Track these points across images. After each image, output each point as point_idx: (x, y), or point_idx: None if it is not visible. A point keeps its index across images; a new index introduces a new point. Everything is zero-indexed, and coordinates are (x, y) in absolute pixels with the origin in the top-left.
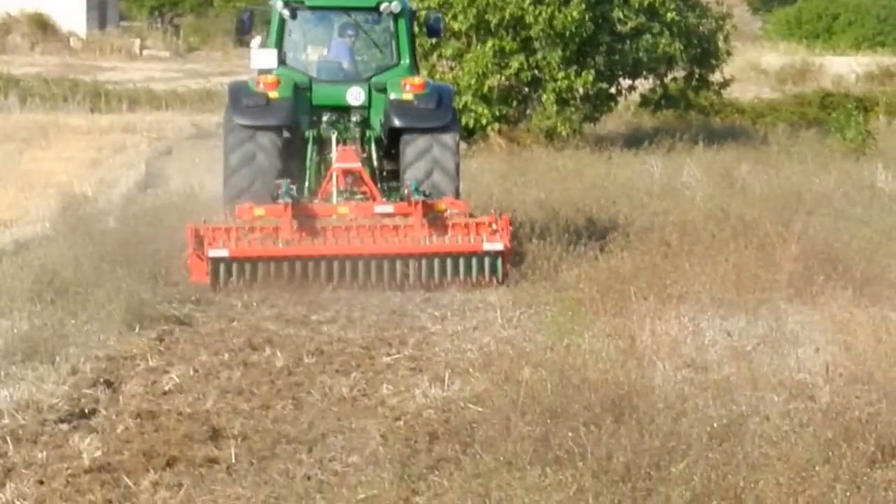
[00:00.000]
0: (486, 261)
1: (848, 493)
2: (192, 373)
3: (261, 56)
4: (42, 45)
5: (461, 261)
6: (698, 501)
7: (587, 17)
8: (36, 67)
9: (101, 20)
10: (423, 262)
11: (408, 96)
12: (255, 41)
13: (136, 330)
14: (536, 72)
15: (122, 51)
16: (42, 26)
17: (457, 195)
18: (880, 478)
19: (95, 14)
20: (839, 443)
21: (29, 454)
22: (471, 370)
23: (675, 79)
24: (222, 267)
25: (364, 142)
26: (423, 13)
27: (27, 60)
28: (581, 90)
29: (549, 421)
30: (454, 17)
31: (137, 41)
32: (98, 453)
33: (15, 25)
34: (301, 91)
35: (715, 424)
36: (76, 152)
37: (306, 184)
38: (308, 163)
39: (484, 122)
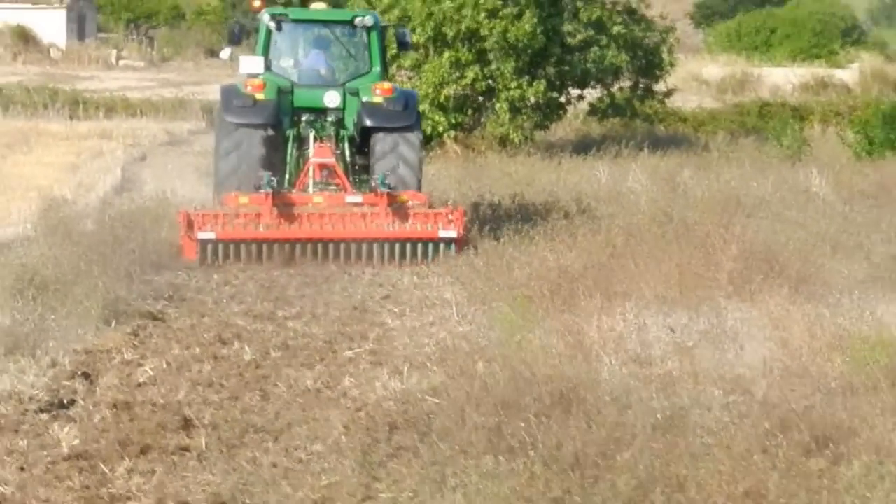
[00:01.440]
0: (441, 246)
1: (784, 481)
2: (164, 366)
3: (249, 62)
4: (24, 55)
5: (419, 246)
6: (643, 489)
7: (538, 30)
8: (18, 77)
9: (79, 32)
10: (387, 245)
11: (378, 100)
12: (225, 52)
13: (112, 325)
14: (490, 82)
15: (99, 61)
16: (24, 38)
17: (419, 188)
18: (814, 466)
19: (75, 27)
20: (776, 433)
21: (11, 442)
22: (428, 364)
23: (621, 89)
24: (209, 247)
25: (338, 139)
26: (391, 29)
27: (9, 70)
28: (532, 99)
29: (501, 412)
30: (413, 30)
31: (114, 52)
32: (76, 442)
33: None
34: (284, 94)
35: (658, 416)
36: (56, 157)
37: (286, 176)
38: (288, 157)
39: (440, 129)
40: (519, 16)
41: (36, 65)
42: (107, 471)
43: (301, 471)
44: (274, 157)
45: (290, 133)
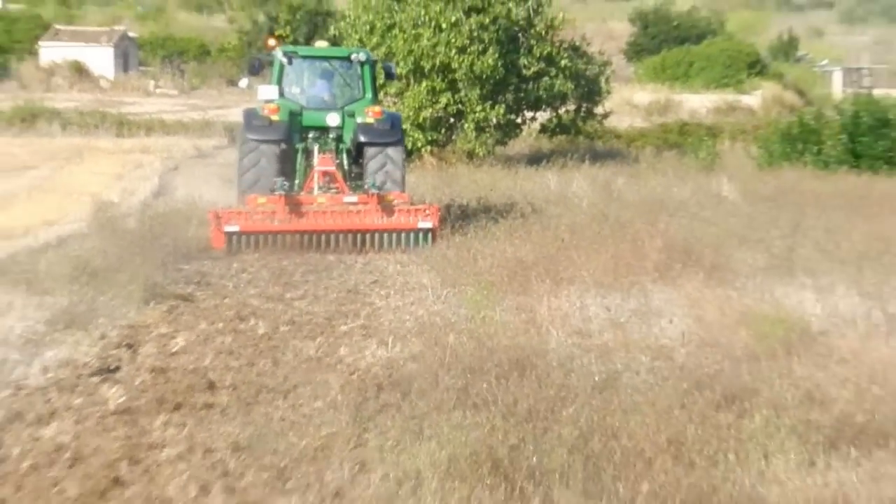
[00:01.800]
0: (420, 235)
1: (698, 432)
2: (193, 338)
3: (266, 90)
4: (78, 85)
5: (402, 235)
6: (584, 438)
7: (499, 63)
8: (73, 102)
9: (124, 66)
10: (377, 235)
11: (370, 120)
12: (244, 82)
13: (150, 305)
14: (460, 106)
15: (140, 90)
16: (79, 71)
17: (402, 189)
18: (723, 419)
19: (120, 61)
20: (692, 392)
21: (67, 400)
22: (408, 336)
23: (567, 111)
24: (234, 238)
25: (338, 152)
26: (380, 63)
27: (66, 97)
28: (494, 120)
29: (468, 375)
30: (397, 64)
31: (152, 82)
32: (121, 400)
33: (58, 70)
34: (294, 116)
35: (596, 378)
36: (104, 168)
37: (296, 181)
38: (297, 166)
39: (419, 145)
40: (483, 52)
41: (88, 93)
42: (146, 424)
43: (305, 423)
44: (286, 167)
45: (299, 147)
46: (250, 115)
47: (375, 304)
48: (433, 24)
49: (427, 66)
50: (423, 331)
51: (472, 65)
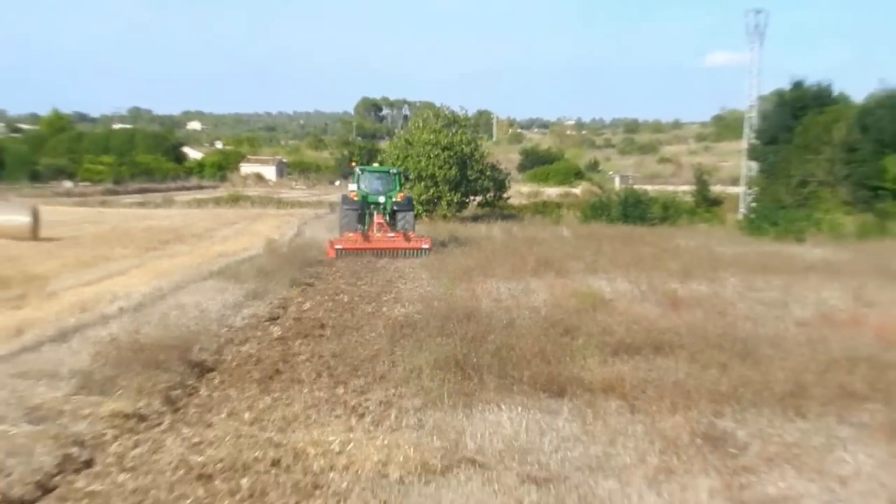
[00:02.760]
0: (422, 251)
1: (552, 347)
2: (313, 304)
3: (351, 186)
4: (258, 184)
5: (413, 251)
6: (497, 350)
7: (457, 174)
8: (256, 192)
9: (279, 174)
10: (401, 251)
11: (398, 199)
12: (339, 182)
13: (293, 288)
14: (438, 193)
15: (287, 186)
16: (259, 177)
17: (413, 231)
18: (564, 341)
19: (279, 172)
20: (549, 328)
21: (254, 333)
22: (415, 302)
23: (489, 196)
24: (338, 252)
25: (383, 214)
26: (402, 172)
27: (253, 190)
28: (455, 200)
29: (443, 321)
30: (409, 173)
31: (293, 182)
32: (279, 333)
33: (249, 177)
34: (364, 197)
35: (504, 321)
36: (271, 223)
37: (365, 228)
38: (366, 220)
39: (420, 211)
40: (450, 168)
41: (262, 187)
42: (291, 344)
43: (366, 343)
44: (360, 220)
45: (366, 211)
46: (344, 197)
47: (399, 287)
48: (426, 155)
49: (424, 174)
50: (422, 299)
51: (444, 175)
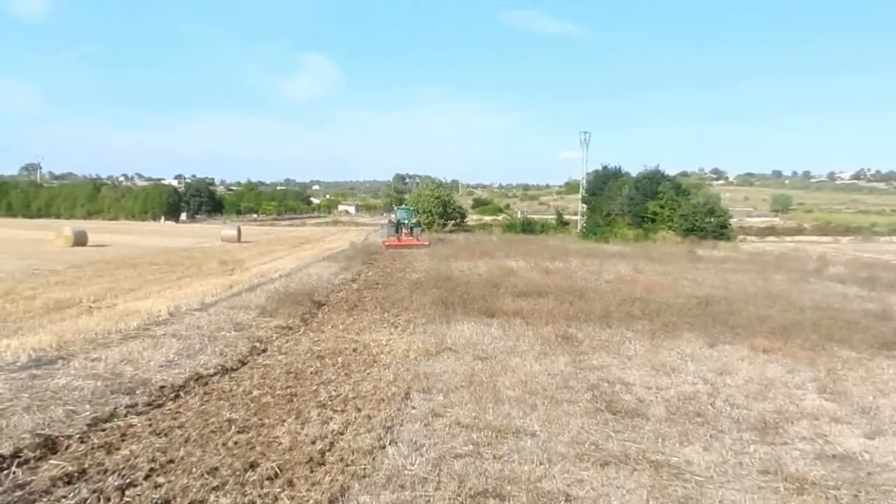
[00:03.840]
0: (424, 246)
1: (486, 291)
2: (371, 273)
3: (391, 216)
4: (345, 215)
5: (420, 247)
6: (462, 295)
7: (441, 209)
8: (345, 219)
9: (356, 210)
10: (416, 248)
11: (414, 222)
12: (385, 215)
13: (362, 265)
14: (432, 219)
15: (360, 217)
16: (346, 212)
17: (420, 237)
18: (493, 290)
19: (356, 209)
20: (486, 284)
21: (343, 286)
22: (421, 272)
23: (457, 220)
24: (386, 247)
25: (407, 228)
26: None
27: (344, 218)
28: (440, 223)
29: (437, 280)
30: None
31: (363, 215)
32: (355, 286)
33: (342, 213)
34: (398, 221)
35: (465, 281)
36: (352, 235)
37: (399, 235)
38: (398, 232)
39: (423, 228)
40: (438, 208)
41: (348, 217)
42: (363, 291)
43: (398, 292)
44: (396, 231)
45: (400, 227)
46: (389, 220)
47: (414, 265)
48: (427, 201)
49: (425, 210)
50: (425, 271)
51: (435, 210)
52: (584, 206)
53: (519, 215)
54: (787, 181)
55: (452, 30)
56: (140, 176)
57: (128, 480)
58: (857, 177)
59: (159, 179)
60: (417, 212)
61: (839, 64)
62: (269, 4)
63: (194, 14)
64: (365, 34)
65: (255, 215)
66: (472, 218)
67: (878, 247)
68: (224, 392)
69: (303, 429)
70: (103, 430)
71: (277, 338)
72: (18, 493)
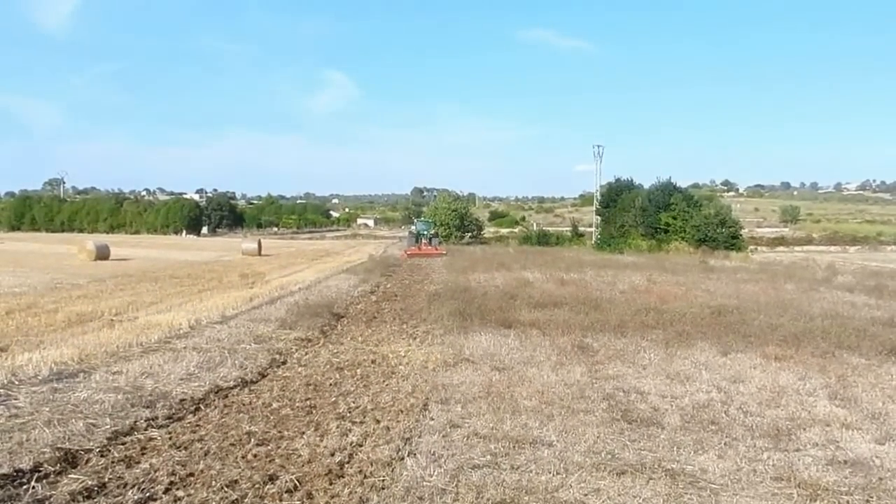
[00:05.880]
0: (442, 256)
1: (504, 303)
2: (390, 285)
3: (412, 227)
4: (365, 228)
5: (438, 256)
6: (479, 306)
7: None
8: (364, 232)
9: (376, 224)
10: (435, 257)
11: (433, 233)
12: (405, 227)
13: (382, 277)
14: (449, 231)
15: (380, 230)
16: (366, 225)
17: (438, 247)
18: (510, 301)
19: (375, 222)
20: (503, 295)
21: (363, 298)
22: (439, 283)
23: (474, 233)
24: (407, 256)
25: (426, 239)
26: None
27: (363, 231)
28: (457, 235)
29: (454, 292)
30: (437, 223)
31: (382, 228)
32: (375, 298)
33: (361, 226)
34: (418, 232)
35: (482, 292)
36: (371, 247)
37: (419, 245)
38: (419, 242)
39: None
40: (455, 220)
41: (367, 230)
42: (381, 303)
43: (417, 303)
44: (416, 242)
45: (420, 238)
46: (409, 232)
47: (431, 277)
48: (444, 214)
49: (443, 223)
50: (443, 282)
51: (452, 223)
52: (598, 217)
53: (534, 227)
54: (795, 192)
55: (469, 47)
56: (162, 190)
57: (147, 494)
58: (862, 187)
59: (181, 194)
60: (435, 224)
61: (844, 78)
62: (291, 24)
63: (221, 34)
64: (383, 52)
65: (275, 229)
66: (488, 230)
67: (885, 255)
68: (244, 405)
69: (322, 441)
70: (123, 444)
71: (297, 350)
72: None
